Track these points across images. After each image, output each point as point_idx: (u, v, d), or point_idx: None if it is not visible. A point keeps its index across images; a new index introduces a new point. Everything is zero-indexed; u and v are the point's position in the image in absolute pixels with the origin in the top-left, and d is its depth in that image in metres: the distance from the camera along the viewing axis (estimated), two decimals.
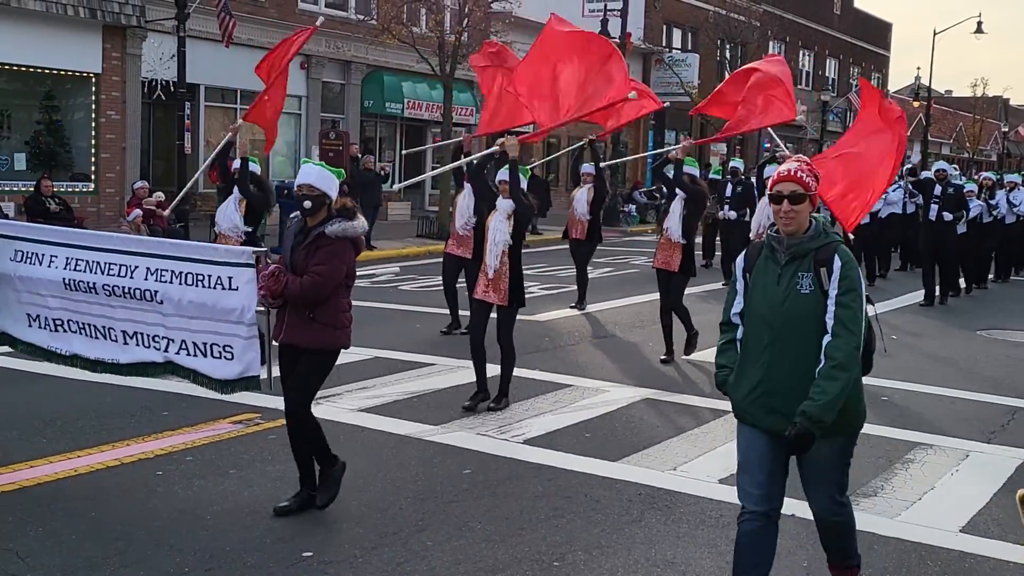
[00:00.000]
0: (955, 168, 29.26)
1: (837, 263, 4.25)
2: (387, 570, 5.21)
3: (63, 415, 7.57)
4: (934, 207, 15.74)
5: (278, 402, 8.21)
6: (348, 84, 27.53)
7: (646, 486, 6.63)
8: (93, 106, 21.83)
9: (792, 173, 4.35)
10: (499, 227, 8.23)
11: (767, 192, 4.43)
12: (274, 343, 5.98)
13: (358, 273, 6.19)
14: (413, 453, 7.24)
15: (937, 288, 16.11)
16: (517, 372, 8.70)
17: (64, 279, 6.38)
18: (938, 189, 15.84)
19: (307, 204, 5.72)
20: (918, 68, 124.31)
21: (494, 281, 8.25)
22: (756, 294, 4.40)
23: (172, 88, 20.79)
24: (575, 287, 14.29)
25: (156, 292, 6.03)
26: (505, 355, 8.48)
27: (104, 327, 6.33)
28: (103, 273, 6.22)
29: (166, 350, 6.13)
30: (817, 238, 4.33)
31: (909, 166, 23.57)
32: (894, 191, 18.74)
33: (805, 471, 4.52)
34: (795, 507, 6.20)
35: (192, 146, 21.15)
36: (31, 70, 20.82)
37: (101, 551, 5.28)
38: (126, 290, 6.12)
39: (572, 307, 13.95)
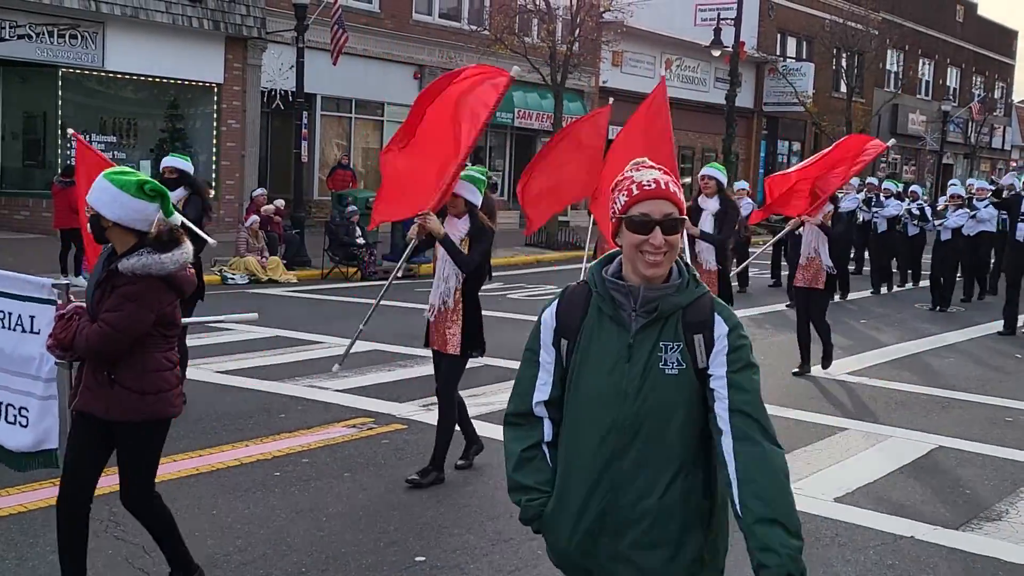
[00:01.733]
0: None
1: (721, 327, 2.80)
2: None
3: (184, 417, 7.75)
4: (1021, 226, 13.89)
5: (391, 407, 8.40)
6: None
7: None
8: (214, 115, 22.57)
9: (664, 187, 2.81)
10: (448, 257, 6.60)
11: (618, 216, 2.85)
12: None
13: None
14: None
15: None
16: None
17: None
18: None
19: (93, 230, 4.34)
20: None
21: (437, 324, 6.63)
22: (588, 374, 2.85)
23: (290, 98, 21.33)
24: None
25: None
26: (444, 413, 6.75)
27: None
28: None
29: None
30: (685, 290, 2.84)
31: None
32: (986, 207, 16.67)
33: None
34: (914, 528, 6.07)
35: (308, 155, 21.64)
36: (157, 80, 21.63)
37: (222, 549, 5.45)
38: None
39: None
